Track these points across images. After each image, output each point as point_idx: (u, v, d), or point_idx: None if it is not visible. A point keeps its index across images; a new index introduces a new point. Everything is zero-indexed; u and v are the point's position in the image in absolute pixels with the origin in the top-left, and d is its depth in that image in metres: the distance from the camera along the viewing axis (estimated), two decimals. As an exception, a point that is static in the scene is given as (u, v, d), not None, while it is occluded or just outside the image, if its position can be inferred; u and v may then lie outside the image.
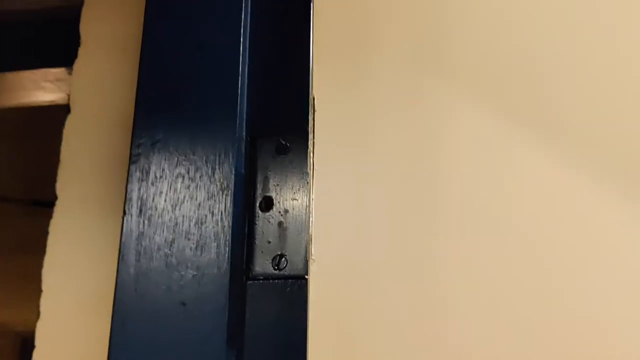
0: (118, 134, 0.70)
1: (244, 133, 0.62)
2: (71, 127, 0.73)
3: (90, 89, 0.73)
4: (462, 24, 0.56)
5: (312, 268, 0.52)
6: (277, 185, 0.62)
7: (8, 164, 1.48)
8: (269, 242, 0.60)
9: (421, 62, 0.55)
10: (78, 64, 0.75)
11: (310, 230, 0.53)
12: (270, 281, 0.59)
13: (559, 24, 0.55)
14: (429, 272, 0.51)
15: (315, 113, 0.55)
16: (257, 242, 0.61)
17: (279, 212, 0.61)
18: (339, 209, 0.54)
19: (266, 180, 0.62)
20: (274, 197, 0.61)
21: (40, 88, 1.04)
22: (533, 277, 0.50)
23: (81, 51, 0.75)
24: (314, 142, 0.54)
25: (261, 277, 0.60)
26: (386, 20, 0.57)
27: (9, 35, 1.02)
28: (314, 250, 0.52)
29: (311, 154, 0.55)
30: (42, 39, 0.99)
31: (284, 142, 0.62)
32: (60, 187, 0.71)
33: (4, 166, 1.58)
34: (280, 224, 0.61)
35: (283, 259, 0.59)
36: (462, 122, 0.53)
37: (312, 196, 0.54)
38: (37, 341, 0.67)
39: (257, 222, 0.61)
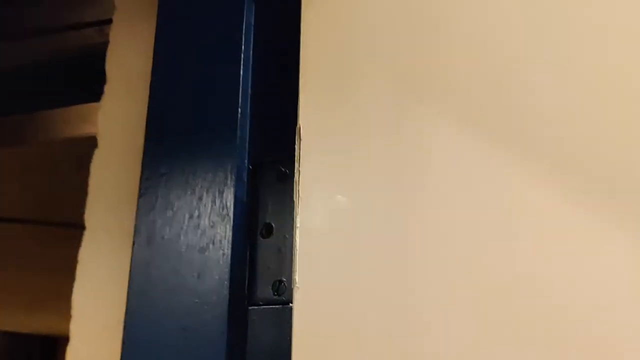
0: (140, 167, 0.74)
1: (245, 162, 0.64)
2: (98, 160, 0.77)
3: (116, 124, 0.78)
4: (446, 50, 0.56)
5: (296, 295, 0.53)
6: (277, 212, 0.63)
7: (74, 192, 1.58)
8: (269, 268, 0.62)
9: (404, 89, 0.55)
10: (104, 100, 0.80)
11: (295, 258, 0.54)
12: (271, 307, 0.61)
13: (547, 48, 0.54)
14: (413, 299, 0.51)
15: (301, 142, 0.56)
16: (258, 268, 0.63)
17: (279, 238, 0.62)
18: (326, 235, 0.55)
19: (267, 207, 0.64)
20: (273, 224, 0.63)
21: (88, 121, 1.11)
22: (524, 301, 0.49)
23: (107, 88, 0.80)
24: (299, 170, 0.56)
25: (262, 303, 0.61)
26: (369, 49, 0.58)
27: (57, 72, 1.10)
28: (299, 277, 0.53)
29: (297, 182, 0.56)
30: (89, 75, 1.06)
31: (284, 170, 0.64)
32: (88, 218, 0.76)
33: (74, 194, 1.69)
34: (279, 249, 0.62)
35: (282, 284, 0.61)
36: (446, 147, 0.53)
37: (297, 224, 0.55)
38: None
39: (258, 249, 0.63)
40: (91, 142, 0.83)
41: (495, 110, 0.53)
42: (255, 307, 0.61)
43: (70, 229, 1.92)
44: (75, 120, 1.18)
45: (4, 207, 1.97)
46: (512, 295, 0.48)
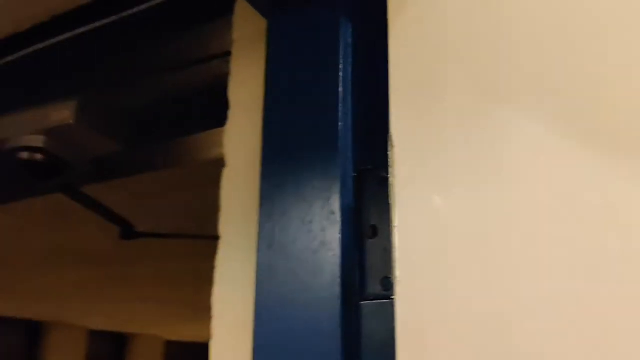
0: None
1: (349, 170, 0.70)
2: (226, 178, 0.88)
3: (238, 144, 0.88)
4: (528, 51, 0.58)
5: (397, 289, 0.58)
6: (381, 214, 0.68)
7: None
8: (377, 266, 0.67)
9: (488, 93, 0.58)
10: (228, 125, 0.90)
11: (394, 255, 0.59)
12: (380, 301, 0.66)
13: (631, 40, 0.55)
14: (504, 292, 0.54)
15: (394, 148, 0.61)
16: (367, 267, 0.68)
17: (383, 238, 0.68)
18: (420, 233, 0.59)
19: (372, 210, 0.70)
20: (378, 226, 0.68)
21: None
22: (612, 299, 0.50)
23: (230, 114, 0.90)
24: (394, 175, 0.61)
25: (372, 298, 0.67)
26: (452, 57, 0.62)
27: (196, 101, 1.24)
28: (399, 272, 0.58)
29: (392, 186, 0.61)
30: (220, 102, 1.19)
31: (384, 175, 0.69)
32: (222, 228, 0.86)
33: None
34: (385, 249, 0.67)
35: (389, 280, 0.66)
36: (530, 145, 0.55)
37: (395, 224, 0.60)
38: (212, 355, 0.81)
39: (366, 249, 0.69)
40: (222, 162, 0.94)
41: (581, 108, 0.54)
42: (367, 302, 0.67)
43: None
44: (212, 144, 1.31)
45: (160, 224, 2.19)
46: (598, 292, 0.49)
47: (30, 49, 1.29)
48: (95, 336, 5.51)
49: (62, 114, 1.02)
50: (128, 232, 1.59)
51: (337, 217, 0.68)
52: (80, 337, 5.36)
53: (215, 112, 1.19)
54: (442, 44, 0.62)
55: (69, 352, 5.26)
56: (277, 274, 0.70)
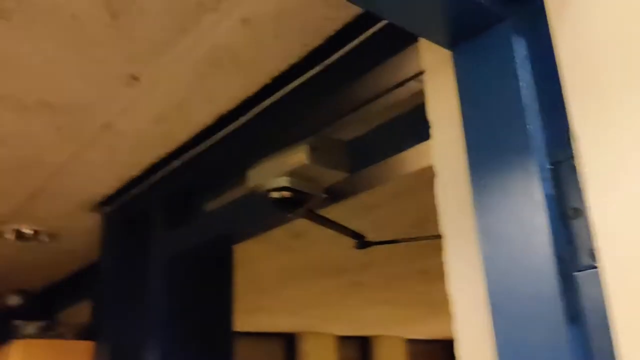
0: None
1: (545, 163, 0.82)
2: (439, 184, 1.03)
3: (445, 156, 1.03)
4: None
5: (599, 257, 0.69)
6: (579, 198, 0.79)
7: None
8: (584, 242, 0.78)
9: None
10: (433, 140, 1.06)
11: (592, 229, 0.70)
12: (591, 270, 0.77)
13: None
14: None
15: (577, 142, 0.72)
16: (575, 243, 0.79)
17: (585, 217, 0.78)
18: (611, 208, 0.69)
19: (572, 194, 0.80)
20: (579, 207, 0.79)
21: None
22: None
23: (432, 130, 1.06)
24: (580, 164, 0.72)
25: (584, 268, 0.78)
26: (615, 60, 0.71)
27: (400, 122, 1.41)
28: (599, 243, 0.69)
29: (579, 173, 0.72)
30: (422, 117, 1.35)
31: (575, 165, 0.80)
32: (443, 228, 1.02)
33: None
34: (587, 226, 0.78)
35: (595, 252, 0.76)
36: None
37: (589, 204, 0.71)
38: (456, 334, 0.97)
39: (572, 228, 0.80)
40: (427, 171, 1.09)
41: None
42: (580, 273, 0.78)
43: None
44: (417, 156, 1.47)
45: (386, 231, 2.41)
46: None
47: (257, 109, 1.58)
48: (343, 341, 5.97)
49: (298, 157, 1.27)
50: (361, 242, 1.82)
51: (541, 204, 0.80)
52: (331, 343, 5.85)
53: (415, 128, 1.36)
54: (603, 46, 0.72)
55: (323, 358, 5.77)
56: (499, 259, 0.84)
